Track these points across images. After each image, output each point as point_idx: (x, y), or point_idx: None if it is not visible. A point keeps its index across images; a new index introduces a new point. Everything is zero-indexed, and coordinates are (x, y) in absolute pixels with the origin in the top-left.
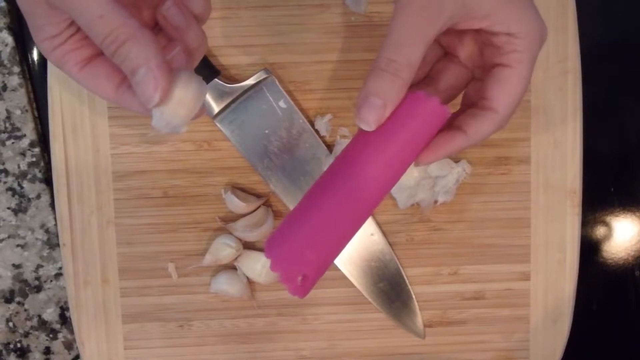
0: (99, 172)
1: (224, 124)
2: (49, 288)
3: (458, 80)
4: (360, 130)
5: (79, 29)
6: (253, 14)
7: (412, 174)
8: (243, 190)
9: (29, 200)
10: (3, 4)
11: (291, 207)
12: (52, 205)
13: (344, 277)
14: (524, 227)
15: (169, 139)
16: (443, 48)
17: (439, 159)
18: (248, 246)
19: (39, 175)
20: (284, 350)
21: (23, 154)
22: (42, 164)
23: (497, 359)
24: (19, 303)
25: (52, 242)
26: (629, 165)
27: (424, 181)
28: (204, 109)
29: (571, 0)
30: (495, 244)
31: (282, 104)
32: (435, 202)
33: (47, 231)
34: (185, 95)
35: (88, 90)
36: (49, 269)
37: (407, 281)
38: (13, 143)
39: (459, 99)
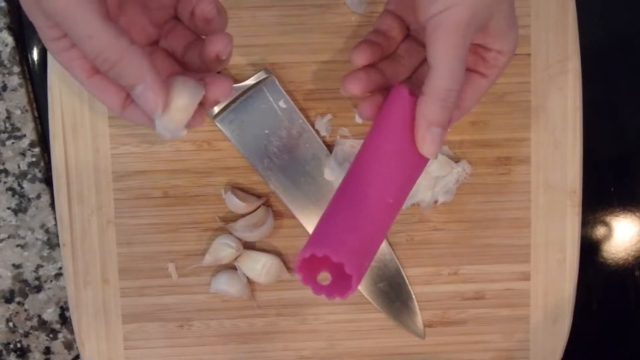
0: (99, 172)
1: (224, 124)
2: (49, 288)
3: (419, 59)
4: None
5: None
6: (253, 14)
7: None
8: (243, 190)
9: (29, 200)
10: (3, 4)
11: (291, 207)
12: (52, 205)
13: None
14: (524, 227)
15: (169, 139)
16: (409, 29)
17: (425, 130)
18: (248, 246)
19: (39, 175)
20: (284, 350)
21: (23, 154)
22: (42, 164)
23: (497, 359)
24: (19, 303)
25: (52, 242)
26: (629, 165)
27: (424, 181)
28: (204, 115)
29: (571, 0)
30: (495, 244)
31: (282, 104)
32: (435, 202)
33: (47, 231)
34: (182, 101)
35: (96, 99)
36: (49, 269)
37: (407, 281)
38: (13, 143)
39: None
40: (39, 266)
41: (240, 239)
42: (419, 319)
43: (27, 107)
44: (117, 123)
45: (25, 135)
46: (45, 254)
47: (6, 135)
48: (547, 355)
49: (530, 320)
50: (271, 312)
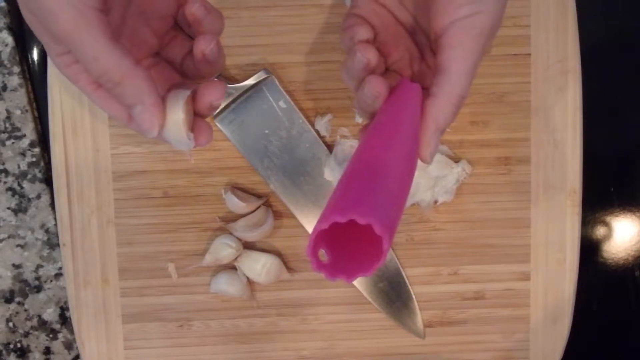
0: (99, 172)
1: (224, 124)
2: (49, 288)
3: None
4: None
5: None
6: (253, 14)
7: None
8: (243, 190)
9: (29, 200)
10: (3, 4)
11: (291, 207)
12: (52, 205)
13: None
14: (524, 227)
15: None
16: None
17: (432, 134)
18: (248, 246)
19: (39, 175)
20: (284, 350)
21: (23, 154)
22: (42, 164)
23: (497, 359)
24: (19, 303)
25: (52, 242)
26: (629, 165)
27: (423, 181)
28: (208, 126)
29: (571, 0)
30: (495, 244)
31: (282, 104)
32: (435, 202)
33: (47, 231)
34: (177, 116)
35: (103, 110)
36: (49, 269)
37: (407, 281)
38: (13, 143)
39: None
40: (39, 266)
41: (240, 239)
42: (419, 319)
43: (27, 107)
44: (117, 123)
45: (25, 135)
46: (45, 254)
47: (6, 135)
48: (547, 355)
49: (530, 320)
50: (271, 312)
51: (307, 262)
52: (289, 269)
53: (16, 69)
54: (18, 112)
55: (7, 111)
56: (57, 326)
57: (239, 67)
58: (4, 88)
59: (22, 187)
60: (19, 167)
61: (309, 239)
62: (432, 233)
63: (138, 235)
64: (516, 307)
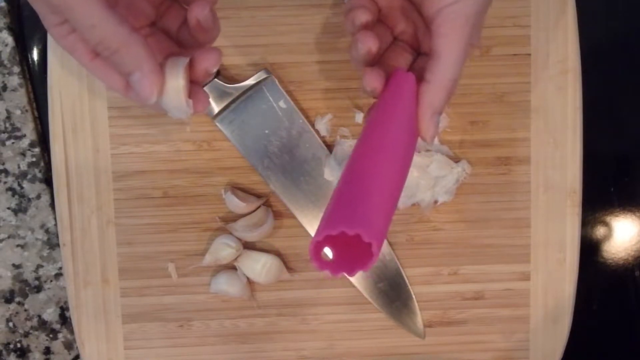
0: (99, 172)
1: (224, 124)
2: (49, 288)
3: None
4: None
5: None
6: (253, 14)
7: (412, 173)
8: (243, 190)
9: (29, 200)
10: (3, 4)
11: (291, 207)
12: (52, 205)
13: (344, 277)
14: (524, 227)
15: (170, 139)
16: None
17: (430, 118)
18: (248, 246)
19: (39, 175)
20: (284, 350)
21: (23, 154)
22: (42, 164)
23: (497, 359)
24: (19, 303)
25: (52, 242)
26: (629, 165)
27: (423, 181)
28: (204, 94)
29: (571, 0)
30: (495, 244)
31: (282, 104)
32: (435, 202)
33: (47, 231)
34: (177, 83)
35: (99, 80)
36: (49, 269)
37: (407, 281)
38: (13, 143)
39: None
40: (39, 266)
41: (240, 239)
42: (419, 319)
43: (27, 107)
44: (117, 123)
45: (25, 135)
46: (45, 254)
47: (6, 135)
48: (547, 355)
49: (530, 320)
50: (271, 312)
51: (307, 262)
52: (289, 269)
53: (16, 69)
54: (18, 112)
55: (7, 111)
56: (57, 326)
57: (239, 67)
58: (4, 88)
59: (22, 187)
60: (19, 167)
61: (309, 247)
62: (432, 233)
63: (138, 235)
64: (516, 307)
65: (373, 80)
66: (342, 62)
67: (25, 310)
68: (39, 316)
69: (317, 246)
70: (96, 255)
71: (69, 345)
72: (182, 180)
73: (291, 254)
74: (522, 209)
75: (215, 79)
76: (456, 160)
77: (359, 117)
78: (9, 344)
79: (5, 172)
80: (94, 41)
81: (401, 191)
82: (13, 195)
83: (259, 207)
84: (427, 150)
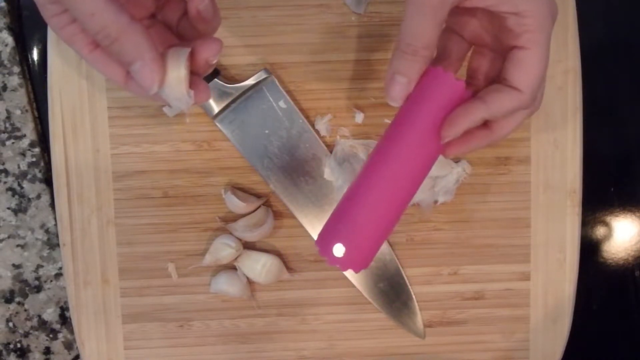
0: (99, 172)
1: (224, 124)
2: (49, 288)
3: (460, 53)
4: (394, 122)
5: None
6: (253, 14)
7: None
8: (243, 190)
9: (29, 200)
10: (3, 4)
11: (291, 207)
12: (52, 205)
13: (344, 277)
14: (524, 227)
15: (170, 139)
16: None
17: (460, 129)
18: (248, 246)
19: (39, 175)
20: (284, 350)
21: (23, 154)
22: (42, 164)
23: (497, 359)
24: (19, 303)
25: (52, 242)
26: (629, 165)
27: (424, 181)
28: (205, 85)
29: (571, 0)
30: (495, 244)
31: (282, 104)
32: (435, 202)
33: (47, 231)
34: (175, 72)
35: (99, 72)
36: (49, 269)
37: (407, 281)
38: (13, 143)
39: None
40: (39, 266)
41: (240, 239)
42: (419, 319)
43: (27, 107)
44: (117, 123)
45: (25, 135)
46: (45, 254)
47: (6, 135)
48: (547, 355)
49: (530, 320)
50: (271, 312)
51: (307, 262)
52: (289, 269)
53: (16, 69)
54: (18, 112)
55: (7, 111)
56: (57, 326)
57: (239, 67)
58: (4, 88)
59: (22, 187)
60: (19, 167)
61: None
62: (432, 233)
63: (138, 235)
64: (516, 307)
65: (399, 91)
66: (342, 62)
67: (25, 310)
68: (39, 316)
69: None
70: (96, 255)
71: (69, 345)
72: (182, 180)
73: (291, 254)
74: (522, 209)
75: (215, 79)
76: (456, 160)
77: (359, 117)
78: (9, 344)
79: (5, 172)
80: (93, 30)
81: (398, 217)
82: (13, 195)
83: (259, 207)
84: None
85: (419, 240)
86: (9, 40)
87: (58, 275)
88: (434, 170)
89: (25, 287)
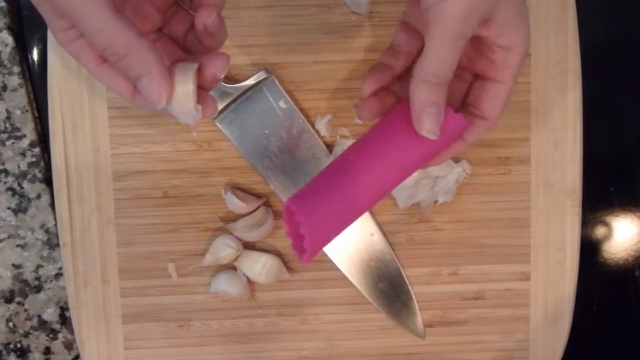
0: (99, 172)
1: (224, 124)
2: (49, 288)
3: None
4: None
5: None
6: (253, 14)
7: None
8: (243, 190)
9: (29, 200)
10: (3, 4)
11: None
12: (52, 205)
13: (344, 277)
14: (524, 227)
15: (170, 139)
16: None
17: (418, 110)
18: (248, 246)
19: (39, 175)
20: (284, 350)
21: (23, 154)
22: (42, 164)
23: (497, 359)
24: (19, 303)
25: (52, 242)
26: (629, 165)
27: (424, 181)
28: (213, 100)
29: (571, 0)
30: (495, 244)
31: (282, 104)
32: (435, 202)
33: (47, 231)
34: (183, 87)
35: (106, 87)
36: (49, 269)
37: (407, 281)
38: (13, 143)
39: None
40: (39, 266)
41: (240, 239)
42: (419, 319)
43: (27, 107)
44: (117, 123)
45: (25, 135)
46: (45, 254)
47: (6, 135)
48: (547, 355)
49: (530, 320)
50: (271, 312)
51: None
52: (289, 269)
53: (16, 69)
54: (18, 112)
55: (7, 111)
56: (57, 326)
57: (239, 67)
58: (4, 88)
59: (22, 187)
60: (19, 167)
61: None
62: (432, 233)
63: (138, 235)
64: (516, 307)
65: (363, 112)
66: (342, 62)
67: (25, 310)
68: (39, 316)
69: (287, 211)
70: (96, 255)
71: (69, 345)
72: (182, 180)
73: (291, 254)
74: (522, 209)
75: None
76: (456, 160)
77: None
78: (9, 344)
79: (5, 172)
80: (101, 46)
81: (365, 210)
82: (13, 195)
83: (259, 207)
84: None
85: (419, 240)
86: (9, 40)
87: (58, 275)
88: (434, 170)
89: (25, 287)
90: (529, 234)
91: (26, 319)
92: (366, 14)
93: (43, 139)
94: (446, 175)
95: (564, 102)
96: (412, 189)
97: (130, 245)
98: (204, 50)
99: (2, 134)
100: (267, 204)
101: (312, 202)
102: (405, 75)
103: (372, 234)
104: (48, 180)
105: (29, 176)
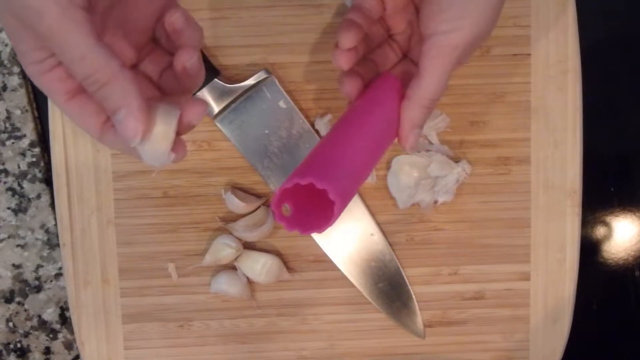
0: (99, 172)
1: (224, 124)
2: (49, 288)
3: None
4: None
5: None
6: (253, 14)
7: (412, 173)
8: (243, 190)
9: (29, 200)
10: None
11: None
12: (52, 205)
13: (344, 277)
14: (524, 227)
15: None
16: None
17: (410, 131)
18: (248, 246)
19: (39, 175)
20: (284, 350)
21: (23, 154)
22: (42, 164)
23: (497, 359)
24: (19, 303)
25: (52, 242)
26: (629, 165)
27: (424, 181)
28: (184, 144)
29: (571, 0)
30: (495, 244)
31: (282, 104)
32: (435, 202)
33: (47, 231)
34: (161, 128)
35: (73, 123)
36: (49, 269)
37: (407, 281)
38: (13, 143)
39: None
40: (39, 266)
41: (240, 239)
42: (419, 319)
43: (27, 107)
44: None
45: (25, 135)
46: (45, 254)
47: (6, 135)
48: (547, 355)
49: (530, 320)
50: (271, 312)
51: (307, 262)
52: (289, 269)
53: (16, 69)
54: (18, 112)
55: (7, 111)
56: (57, 326)
57: (239, 67)
58: (4, 88)
59: (22, 187)
60: (19, 167)
61: (274, 195)
62: (432, 233)
63: (138, 235)
64: (516, 307)
65: (348, 87)
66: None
67: (25, 310)
68: (39, 316)
69: (283, 194)
70: (96, 255)
71: (69, 345)
72: (182, 180)
73: (291, 254)
74: (522, 209)
75: (215, 79)
76: (456, 160)
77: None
78: (9, 344)
79: (5, 172)
80: (82, 74)
81: (370, 170)
82: (13, 195)
83: (259, 207)
84: (427, 151)
85: (419, 240)
86: (9, 40)
87: (58, 275)
88: (434, 170)
89: (25, 287)
90: (529, 234)
91: (26, 319)
92: None
93: (43, 139)
94: (446, 175)
95: (564, 102)
96: (412, 189)
97: (130, 245)
98: (180, 91)
99: (2, 134)
100: (267, 204)
101: (329, 169)
102: (366, 58)
103: (372, 234)
104: (48, 180)
105: (29, 176)
